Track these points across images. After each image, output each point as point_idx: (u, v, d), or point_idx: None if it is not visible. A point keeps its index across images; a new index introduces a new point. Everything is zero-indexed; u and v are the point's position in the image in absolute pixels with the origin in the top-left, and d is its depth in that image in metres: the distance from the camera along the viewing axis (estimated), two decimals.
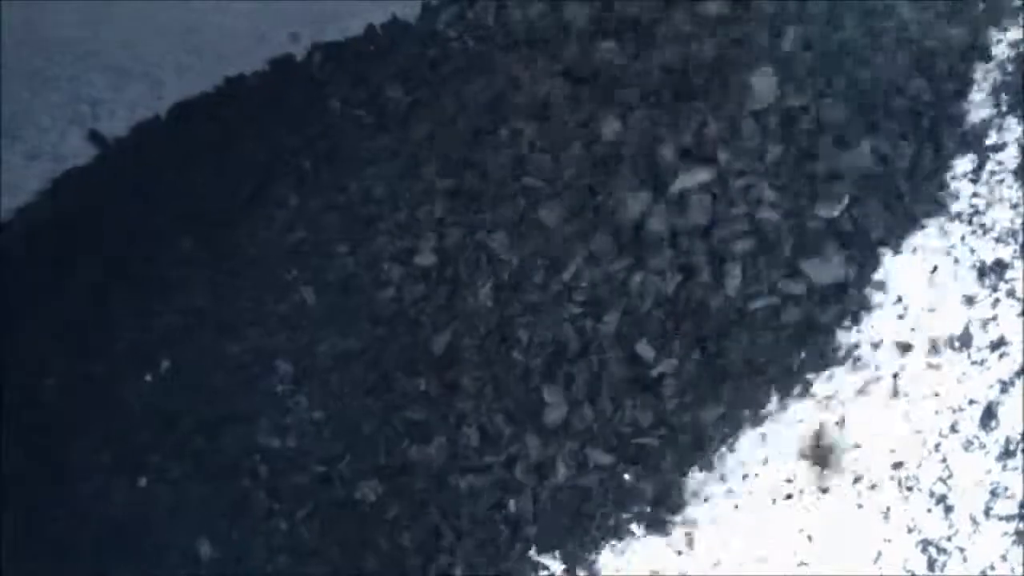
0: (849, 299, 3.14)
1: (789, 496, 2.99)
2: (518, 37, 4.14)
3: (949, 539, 2.73)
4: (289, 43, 5.11)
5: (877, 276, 3.15)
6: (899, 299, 3.11)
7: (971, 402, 2.87)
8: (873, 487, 2.89)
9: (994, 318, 2.95)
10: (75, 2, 5.03)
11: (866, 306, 3.13)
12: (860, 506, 2.89)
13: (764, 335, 3.18)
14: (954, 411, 2.88)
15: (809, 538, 2.91)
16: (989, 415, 2.82)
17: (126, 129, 5.26)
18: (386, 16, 4.96)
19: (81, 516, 4.11)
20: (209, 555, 3.82)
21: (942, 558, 2.71)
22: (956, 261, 3.09)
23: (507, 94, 4.02)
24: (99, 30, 5.17)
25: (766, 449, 3.10)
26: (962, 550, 2.69)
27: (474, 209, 3.91)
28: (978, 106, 3.27)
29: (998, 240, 3.06)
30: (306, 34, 5.12)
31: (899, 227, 3.18)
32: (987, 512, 2.72)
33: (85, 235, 4.92)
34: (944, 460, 2.83)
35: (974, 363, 2.92)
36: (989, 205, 3.12)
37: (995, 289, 2.99)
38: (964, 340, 2.96)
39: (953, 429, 2.85)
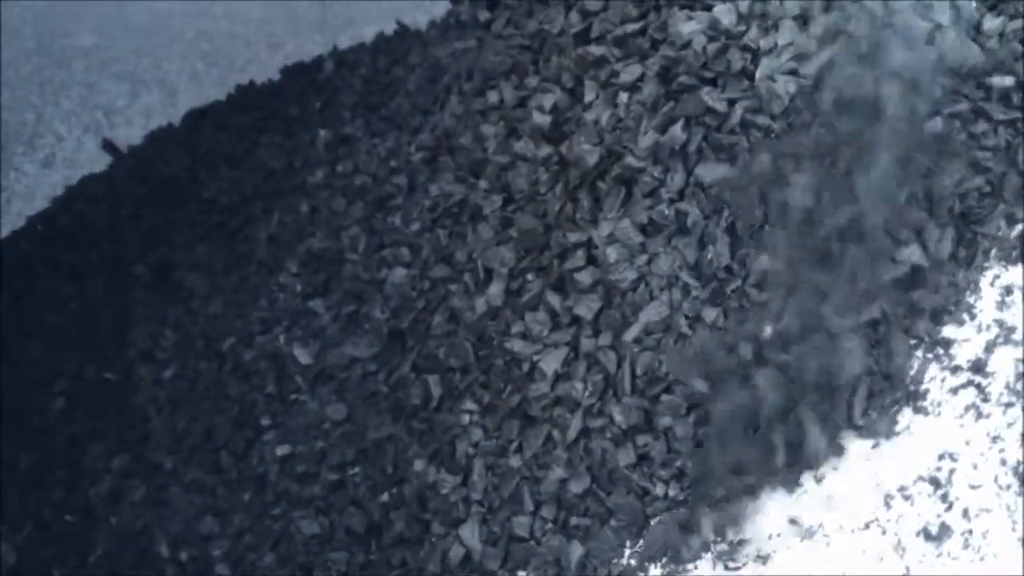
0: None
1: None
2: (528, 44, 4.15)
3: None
4: (301, 51, 5.16)
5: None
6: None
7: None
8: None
9: None
10: (90, 11, 5.08)
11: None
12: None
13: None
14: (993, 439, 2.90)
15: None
16: None
17: (140, 137, 5.32)
18: (395, 24, 5.01)
19: (94, 520, 4.15)
20: (221, 559, 3.85)
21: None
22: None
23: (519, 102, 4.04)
24: (114, 39, 5.23)
25: None
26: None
27: (479, 219, 3.93)
28: None
29: None
30: (318, 42, 5.18)
31: None
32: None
33: (100, 242, 4.97)
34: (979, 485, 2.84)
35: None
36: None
37: None
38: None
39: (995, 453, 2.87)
